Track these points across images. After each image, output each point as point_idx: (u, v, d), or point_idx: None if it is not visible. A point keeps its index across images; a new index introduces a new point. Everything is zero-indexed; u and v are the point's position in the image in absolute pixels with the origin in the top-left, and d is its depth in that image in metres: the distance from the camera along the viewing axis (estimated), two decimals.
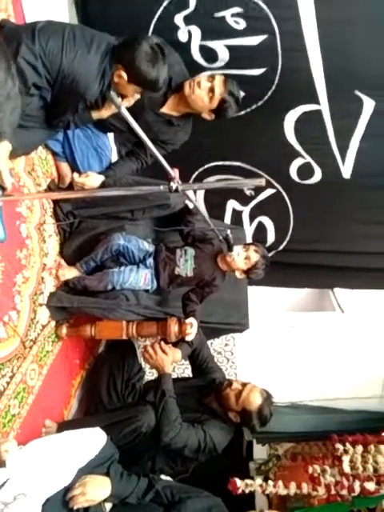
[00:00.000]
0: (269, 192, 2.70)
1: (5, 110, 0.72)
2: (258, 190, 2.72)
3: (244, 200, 2.78)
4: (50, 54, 1.51)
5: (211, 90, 1.94)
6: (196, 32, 2.13)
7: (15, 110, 0.74)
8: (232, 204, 2.80)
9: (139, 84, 1.66)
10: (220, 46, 2.16)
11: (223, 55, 2.19)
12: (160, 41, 1.67)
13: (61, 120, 1.72)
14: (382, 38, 2.12)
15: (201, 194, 2.73)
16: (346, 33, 2.12)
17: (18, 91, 0.74)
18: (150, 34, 2.09)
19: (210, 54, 2.19)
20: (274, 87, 2.25)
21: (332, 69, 2.19)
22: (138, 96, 1.77)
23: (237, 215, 2.83)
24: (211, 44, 2.16)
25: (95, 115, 1.83)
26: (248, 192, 2.74)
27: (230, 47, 2.16)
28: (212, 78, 1.97)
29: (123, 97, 1.75)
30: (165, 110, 2.06)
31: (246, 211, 2.81)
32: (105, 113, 1.83)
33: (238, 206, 2.81)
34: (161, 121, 2.05)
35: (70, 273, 2.02)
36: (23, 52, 1.46)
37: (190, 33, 2.14)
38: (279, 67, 2.19)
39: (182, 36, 2.15)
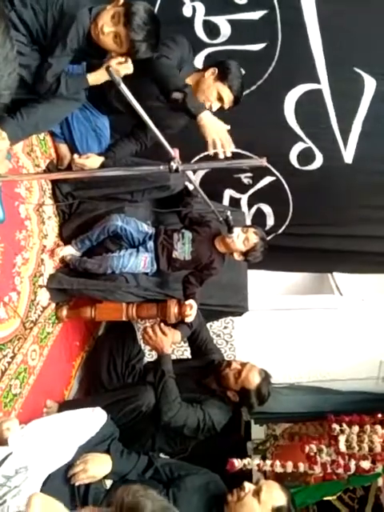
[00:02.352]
0: (267, 180, 2.65)
1: (2, 70, 0.70)
2: (256, 177, 2.66)
3: (241, 188, 2.72)
4: None
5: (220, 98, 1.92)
6: (200, 7, 2.18)
7: (12, 74, 0.73)
8: (229, 193, 2.75)
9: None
10: (222, 21, 2.20)
11: (225, 30, 2.21)
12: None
13: (49, 69, 1.56)
14: (381, 13, 2.10)
15: (197, 182, 2.68)
16: (344, 7, 2.10)
17: (15, 55, 0.73)
18: (156, 8, 2.11)
19: (212, 30, 2.21)
20: (274, 64, 2.24)
21: (330, 44, 2.18)
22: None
23: (235, 202, 2.78)
24: (214, 19, 2.20)
25: (91, 79, 1.70)
26: (246, 180, 2.69)
27: (231, 22, 2.19)
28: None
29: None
30: None
31: (244, 198, 2.77)
32: (101, 76, 1.70)
33: (236, 194, 2.76)
34: (163, 106, 2.02)
35: (64, 249, 2.00)
36: None
37: (194, 8, 2.18)
38: (279, 42, 2.20)
39: (187, 11, 2.19)
